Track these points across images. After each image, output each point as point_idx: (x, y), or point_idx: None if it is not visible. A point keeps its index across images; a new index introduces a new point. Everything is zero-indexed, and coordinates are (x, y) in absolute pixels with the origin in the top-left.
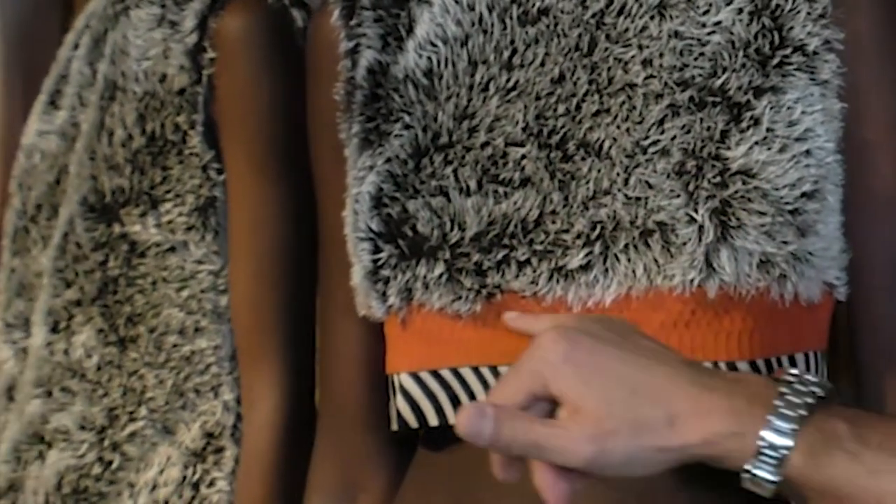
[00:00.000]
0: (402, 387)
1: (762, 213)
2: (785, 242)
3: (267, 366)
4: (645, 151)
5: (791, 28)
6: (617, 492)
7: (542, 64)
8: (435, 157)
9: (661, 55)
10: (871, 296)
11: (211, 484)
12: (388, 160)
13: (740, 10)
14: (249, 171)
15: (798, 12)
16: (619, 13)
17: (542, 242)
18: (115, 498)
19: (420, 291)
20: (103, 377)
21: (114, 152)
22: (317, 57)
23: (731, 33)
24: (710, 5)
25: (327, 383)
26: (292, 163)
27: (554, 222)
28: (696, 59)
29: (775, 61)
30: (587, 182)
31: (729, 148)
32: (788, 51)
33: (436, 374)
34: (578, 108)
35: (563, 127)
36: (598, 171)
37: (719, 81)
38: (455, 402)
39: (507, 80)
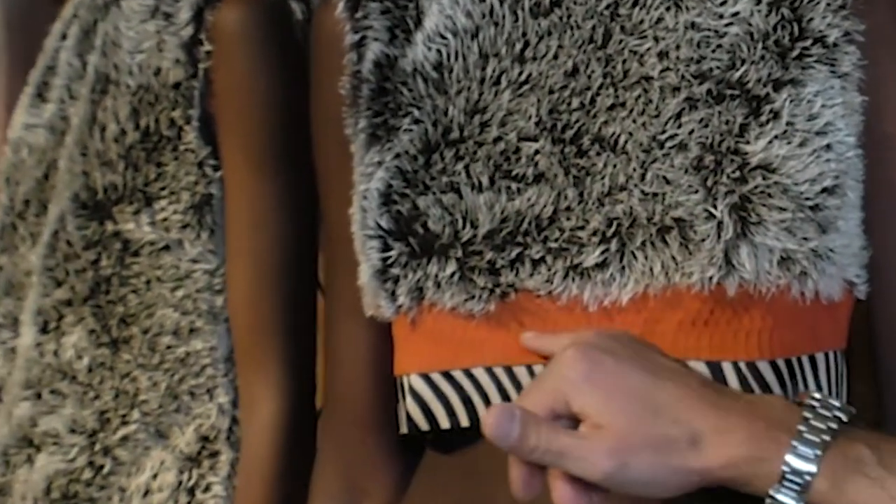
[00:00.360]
0: (411, 388)
1: (782, 209)
2: (805, 239)
3: (267, 367)
4: (662, 146)
5: (811, 19)
6: None
7: (556, 57)
8: (445, 153)
9: (677, 47)
10: (892, 294)
11: (207, 489)
12: (398, 156)
13: (759, 1)
14: (247, 168)
15: (818, 3)
16: (634, 4)
17: (556, 240)
18: (106, 503)
19: (431, 291)
20: (95, 379)
21: (106, 148)
22: (321, 50)
23: (750, 24)
24: None
25: (332, 385)
26: (291, 159)
27: (569, 219)
28: (713, 51)
29: (795, 53)
30: (602, 178)
31: (748, 142)
32: (808, 42)
33: (447, 375)
34: (593, 101)
35: (577, 121)
36: (614, 166)
37: (738, 74)
38: (467, 403)
39: (520, 74)
